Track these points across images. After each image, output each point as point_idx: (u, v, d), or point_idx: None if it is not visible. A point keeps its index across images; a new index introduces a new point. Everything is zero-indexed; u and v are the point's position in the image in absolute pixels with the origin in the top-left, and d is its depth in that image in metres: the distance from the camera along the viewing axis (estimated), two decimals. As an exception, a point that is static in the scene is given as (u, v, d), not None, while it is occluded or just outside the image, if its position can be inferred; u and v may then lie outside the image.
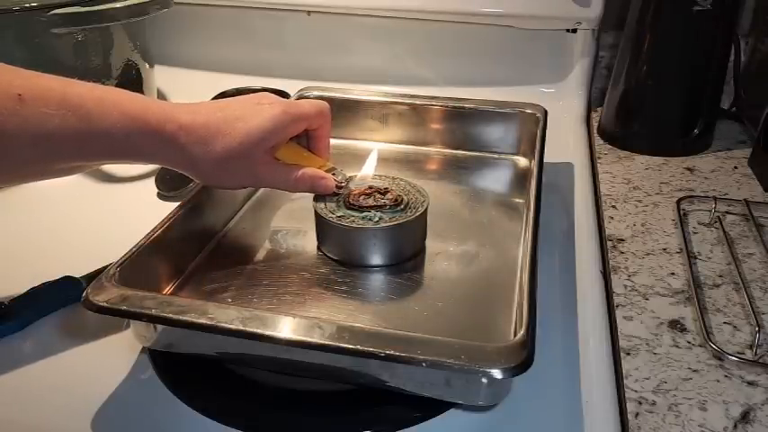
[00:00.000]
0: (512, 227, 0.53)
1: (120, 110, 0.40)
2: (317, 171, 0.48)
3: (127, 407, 0.38)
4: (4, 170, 0.40)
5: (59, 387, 0.40)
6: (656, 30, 0.66)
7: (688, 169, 0.65)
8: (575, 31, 0.80)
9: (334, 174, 0.49)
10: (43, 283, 0.46)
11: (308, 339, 0.34)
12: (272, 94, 0.47)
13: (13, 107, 0.37)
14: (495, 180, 0.63)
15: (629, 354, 0.41)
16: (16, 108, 0.37)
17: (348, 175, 0.50)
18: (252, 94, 0.47)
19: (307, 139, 0.49)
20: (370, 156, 0.54)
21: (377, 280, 0.47)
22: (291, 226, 0.54)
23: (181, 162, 0.43)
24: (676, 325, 0.43)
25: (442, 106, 0.66)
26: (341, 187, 0.49)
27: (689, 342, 0.42)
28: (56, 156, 0.40)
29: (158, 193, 0.62)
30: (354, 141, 0.68)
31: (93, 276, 0.45)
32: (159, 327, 0.39)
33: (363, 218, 0.47)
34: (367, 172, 0.52)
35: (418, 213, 0.48)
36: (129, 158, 0.43)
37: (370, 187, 0.50)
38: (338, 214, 0.47)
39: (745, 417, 0.36)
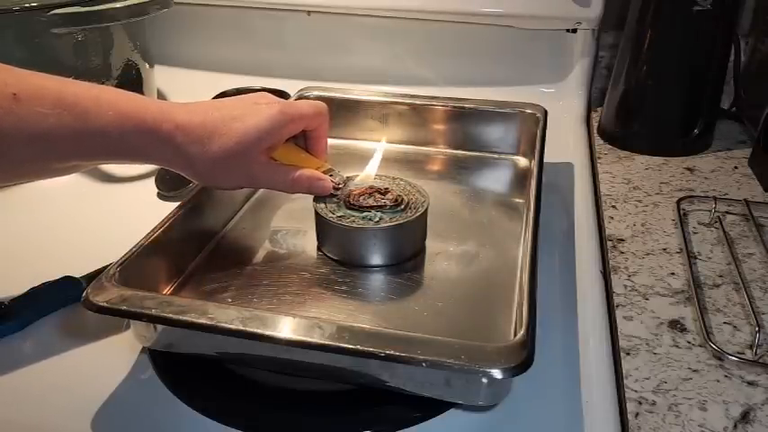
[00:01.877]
0: (512, 227, 0.53)
1: (116, 109, 0.40)
2: (314, 172, 0.48)
3: (127, 407, 0.38)
4: (1, 169, 0.40)
5: (59, 387, 0.40)
6: (656, 30, 0.66)
7: (688, 169, 0.65)
8: (575, 31, 0.80)
9: (331, 175, 0.49)
10: (43, 283, 0.46)
11: (308, 339, 0.34)
12: (270, 94, 0.47)
13: (8, 106, 0.37)
14: (495, 180, 0.63)
15: (629, 354, 0.41)
16: (11, 107, 0.37)
17: (347, 175, 0.50)
18: (249, 94, 0.47)
19: (304, 140, 0.49)
20: (375, 153, 0.53)
21: (377, 280, 0.47)
22: (291, 226, 0.54)
23: (177, 162, 0.43)
24: (676, 325, 0.43)
25: (442, 106, 0.66)
26: (338, 188, 0.49)
27: (689, 342, 0.42)
28: (52, 155, 0.40)
29: (158, 193, 0.62)
30: (354, 141, 0.68)
31: (93, 276, 0.45)
32: (159, 327, 0.39)
33: (364, 218, 0.47)
34: (370, 171, 0.52)
35: (418, 213, 0.48)
36: (126, 158, 0.43)
37: (371, 187, 0.50)
38: (338, 214, 0.47)
39: (745, 417, 0.36)
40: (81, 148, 0.41)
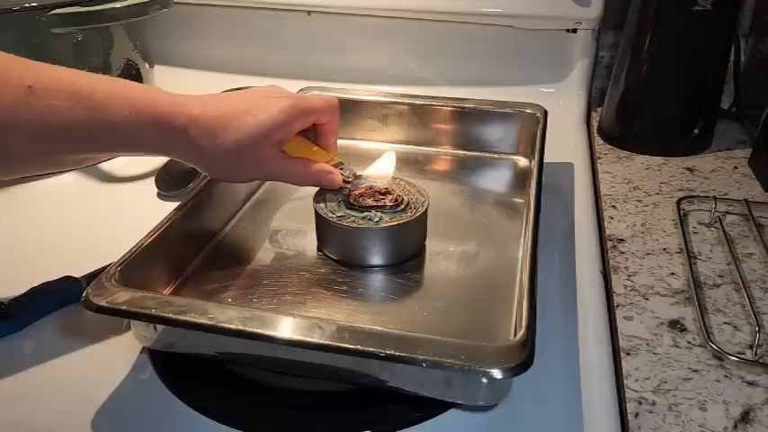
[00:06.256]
0: (512, 227, 0.53)
1: (130, 102, 0.40)
2: (324, 165, 0.48)
3: (127, 407, 0.38)
4: (16, 161, 0.41)
5: (59, 387, 0.40)
6: (656, 30, 0.66)
7: (688, 169, 0.65)
8: (575, 31, 0.80)
9: (341, 169, 0.49)
10: (43, 283, 0.46)
11: (308, 339, 0.34)
12: (281, 88, 0.47)
13: (23, 98, 0.37)
14: (495, 180, 0.63)
15: (629, 354, 0.41)
16: (26, 100, 0.37)
17: (358, 172, 0.50)
18: (261, 87, 0.47)
19: (314, 134, 0.49)
20: (387, 158, 0.53)
21: (377, 280, 0.47)
22: (291, 226, 0.54)
23: (189, 154, 0.43)
24: (676, 325, 0.43)
25: (442, 106, 0.66)
26: (348, 182, 0.49)
27: (689, 342, 0.42)
28: (65, 147, 0.41)
29: (158, 193, 0.62)
30: (355, 141, 0.68)
31: (93, 276, 0.45)
32: (159, 327, 0.39)
33: (364, 218, 0.47)
34: (386, 173, 0.52)
35: (418, 213, 0.48)
36: (138, 150, 0.43)
37: (371, 187, 0.50)
38: (338, 214, 0.47)
39: (745, 417, 0.36)
40: (94, 141, 0.41)
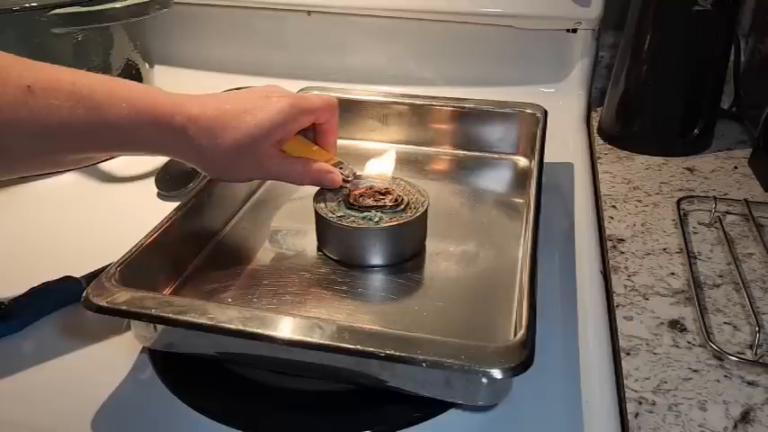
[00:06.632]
0: (512, 227, 0.53)
1: (129, 102, 0.40)
2: (323, 165, 0.48)
3: (127, 407, 0.38)
4: (16, 160, 0.41)
5: (59, 387, 0.40)
6: (656, 30, 0.66)
7: (688, 169, 0.65)
8: (575, 31, 0.80)
9: (340, 168, 0.49)
10: (43, 283, 0.46)
11: (308, 339, 0.34)
12: (281, 87, 0.47)
13: (22, 98, 0.37)
14: (495, 180, 0.63)
15: (629, 354, 0.41)
16: (25, 99, 0.37)
17: (357, 172, 0.50)
18: (261, 87, 0.47)
19: (314, 133, 0.49)
20: (387, 154, 0.54)
21: (377, 280, 0.47)
22: (291, 226, 0.54)
23: (189, 154, 0.43)
24: (676, 325, 0.43)
25: (442, 106, 0.66)
26: (348, 182, 0.49)
27: (689, 342, 0.42)
28: (65, 147, 0.41)
29: (158, 193, 0.62)
30: (355, 141, 0.68)
31: (93, 276, 0.45)
32: (159, 327, 0.39)
33: (364, 218, 0.47)
34: (386, 171, 0.52)
35: (418, 213, 0.48)
36: (138, 150, 0.43)
37: (371, 187, 0.50)
38: (338, 214, 0.47)
39: (745, 417, 0.36)
40: (93, 141, 0.41)
